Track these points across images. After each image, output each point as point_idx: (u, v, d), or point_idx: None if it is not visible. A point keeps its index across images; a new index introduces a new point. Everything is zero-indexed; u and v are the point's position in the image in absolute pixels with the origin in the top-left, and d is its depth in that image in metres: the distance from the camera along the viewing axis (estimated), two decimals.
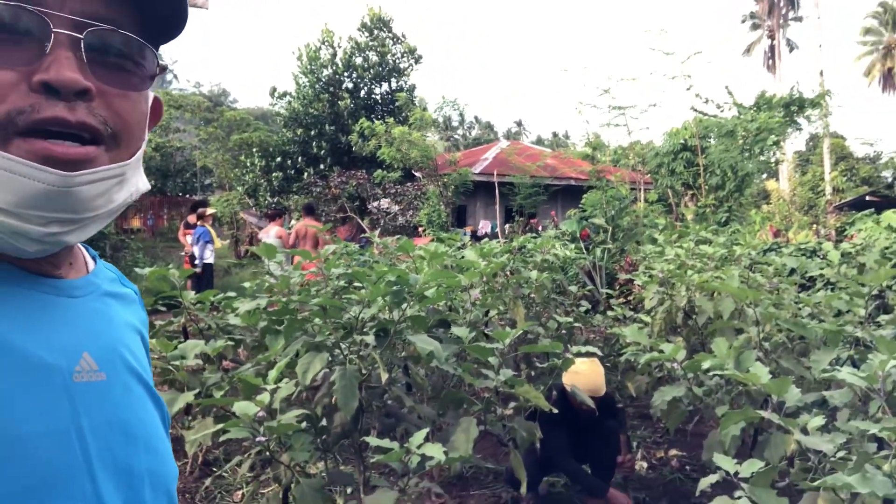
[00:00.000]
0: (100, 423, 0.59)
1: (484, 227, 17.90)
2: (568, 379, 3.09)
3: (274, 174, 20.44)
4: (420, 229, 15.13)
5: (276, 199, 19.85)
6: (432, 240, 11.87)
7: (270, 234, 9.20)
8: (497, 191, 16.28)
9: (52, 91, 0.51)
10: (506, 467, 3.45)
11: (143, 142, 0.62)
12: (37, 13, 0.51)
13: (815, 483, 1.21)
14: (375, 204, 15.45)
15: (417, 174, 16.96)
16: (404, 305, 2.53)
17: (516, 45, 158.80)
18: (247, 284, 4.04)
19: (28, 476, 0.51)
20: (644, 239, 9.56)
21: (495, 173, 17.10)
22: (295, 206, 19.57)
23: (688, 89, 11.74)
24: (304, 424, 2.22)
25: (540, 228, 16.08)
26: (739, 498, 1.89)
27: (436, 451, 1.97)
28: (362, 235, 10.35)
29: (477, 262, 3.68)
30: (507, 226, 16.61)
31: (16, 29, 0.51)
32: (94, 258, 0.71)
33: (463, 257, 4.46)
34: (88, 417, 0.58)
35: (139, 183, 0.63)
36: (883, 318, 3.54)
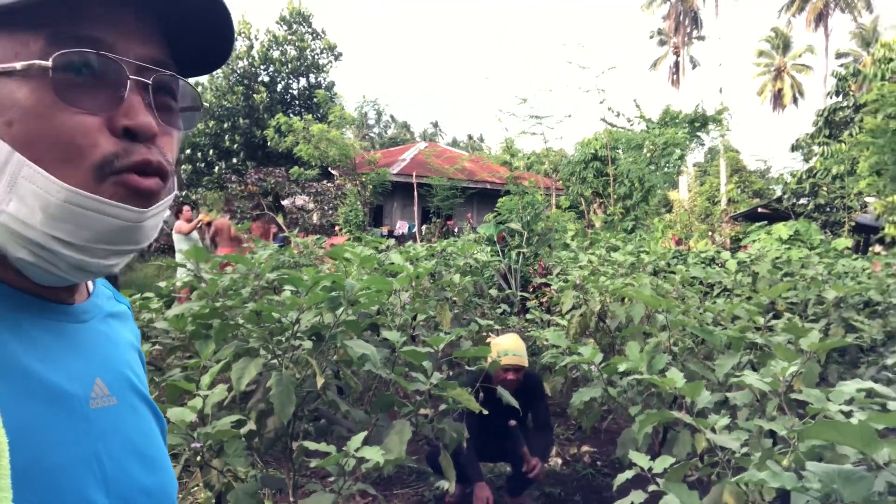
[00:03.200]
0: (114, 447, 0.61)
1: (401, 227, 17.94)
2: (495, 350, 3.30)
3: (182, 166, 19.64)
4: (337, 228, 14.98)
5: (184, 193, 19.08)
6: (349, 239, 11.81)
7: (180, 227, 8.87)
8: (415, 192, 16.36)
9: (132, 136, 0.55)
10: (426, 455, 3.52)
11: None
12: (117, 61, 0.55)
13: (734, 479, 1.36)
14: (291, 201, 15.16)
15: (335, 172, 16.78)
16: (339, 310, 2.56)
17: (435, 48, 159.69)
18: (162, 284, 3.92)
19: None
20: (556, 244, 9.92)
21: (414, 174, 17.19)
22: (203, 200, 18.88)
23: (601, 102, 12.26)
24: (238, 430, 2.21)
25: (456, 230, 16.31)
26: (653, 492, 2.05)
27: (374, 454, 2.01)
28: (281, 234, 10.15)
29: (405, 267, 3.73)
30: (424, 227, 16.73)
31: (96, 75, 0.54)
32: None
33: (388, 260, 4.50)
34: (104, 443, 0.59)
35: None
36: (774, 323, 3.88)
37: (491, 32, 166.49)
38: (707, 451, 2.37)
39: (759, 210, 18.58)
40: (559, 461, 4.26)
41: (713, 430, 2.19)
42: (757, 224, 14.49)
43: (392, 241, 5.83)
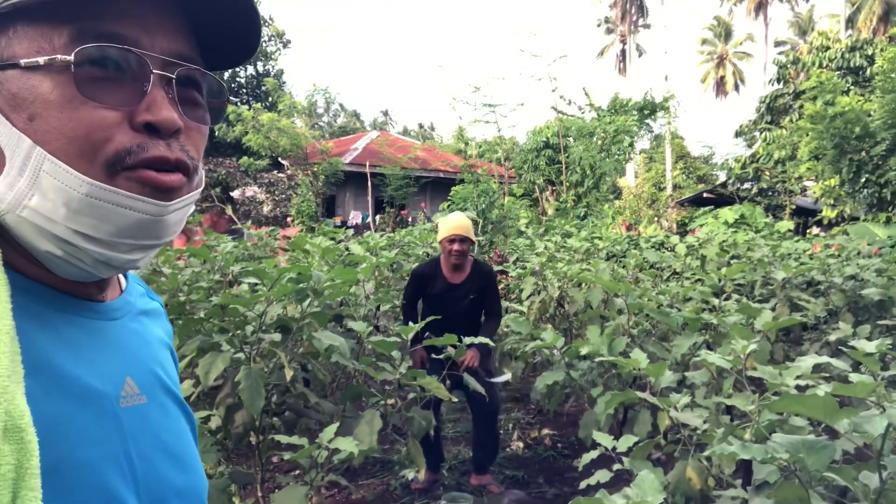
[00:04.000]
0: (144, 445, 0.61)
1: (355, 217, 17.81)
2: (439, 230, 3.68)
3: None
4: (289, 219, 14.77)
5: None
6: (302, 230, 11.65)
7: None
8: (369, 181, 16.26)
9: (153, 130, 0.55)
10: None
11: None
12: (140, 56, 0.54)
13: (707, 453, 1.41)
14: (241, 191, 14.87)
15: (286, 163, 16.52)
16: (306, 302, 2.54)
17: (384, 36, 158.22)
18: None
19: (87, 501, 0.53)
20: (511, 232, 10.04)
21: (367, 164, 17.06)
22: None
23: (553, 90, 12.39)
24: (208, 425, 2.18)
25: (410, 219, 16.28)
26: (617, 471, 2.11)
27: (348, 445, 2.01)
28: (233, 227, 9.95)
29: (367, 257, 3.72)
30: (378, 216, 16.65)
31: (119, 69, 0.54)
32: (125, 275, 0.71)
33: (348, 251, 4.48)
34: (134, 441, 0.59)
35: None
36: (724, 304, 4.03)
37: (440, 21, 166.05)
38: (670, 429, 2.46)
39: (705, 195, 19.16)
40: (521, 444, 4.33)
41: (675, 409, 2.27)
42: (703, 209, 14.94)
43: (350, 232, 5.80)
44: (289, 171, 15.89)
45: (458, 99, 11.90)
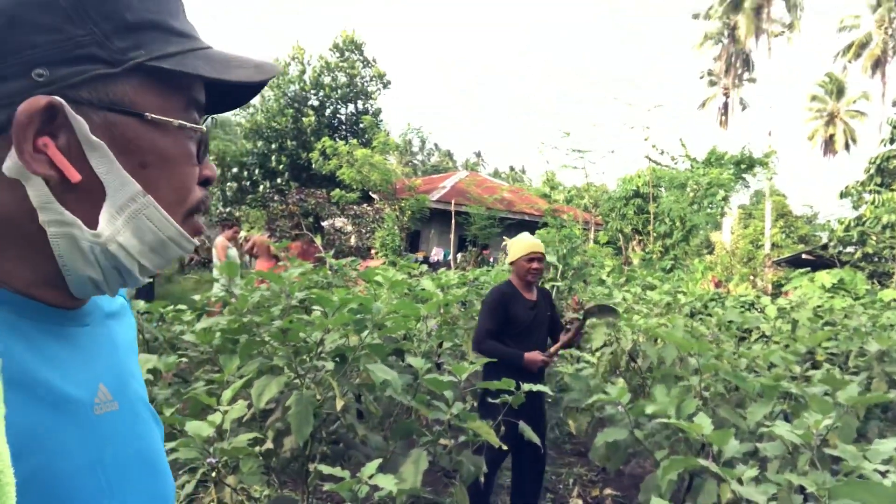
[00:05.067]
0: (118, 452, 0.61)
1: (437, 254, 17.97)
2: (511, 250, 3.61)
3: (228, 184, 20.14)
4: (373, 252, 15.10)
5: (227, 210, 19.53)
6: (384, 263, 11.87)
7: (218, 243, 9.04)
8: (453, 220, 16.42)
9: (206, 183, 0.66)
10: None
11: None
12: (205, 130, 0.65)
13: None
14: (330, 223, 15.37)
15: (375, 196, 16.98)
16: (364, 333, 2.56)
17: (481, 79, 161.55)
18: (196, 297, 3.99)
19: None
20: (592, 280, 9.81)
21: (452, 202, 17.27)
22: (246, 218, 19.28)
23: (646, 139, 12.18)
24: (255, 448, 2.21)
25: (491, 259, 16.27)
26: None
27: (387, 483, 1.99)
28: (316, 255, 10.26)
29: (435, 293, 3.73)
30: (459, 254, 16.74)
31: (202, 135, 0.64)
32: None
33: (419, 286, 4.51)
34: (109, 449, 0.60)
35: None
36: (812, 373, 3.74)
37: (539, 66, 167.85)
38: (732, 503, 2.28)
39: (804, 256, 18.07)
40: (580, 502, 4.15)
41: (740, 482, 2.10)
42: (800, 270, 14.09)
43: (425, 268, 5.83)
44: (376, 205, 16.31)
45: (547, 143, 11.88)
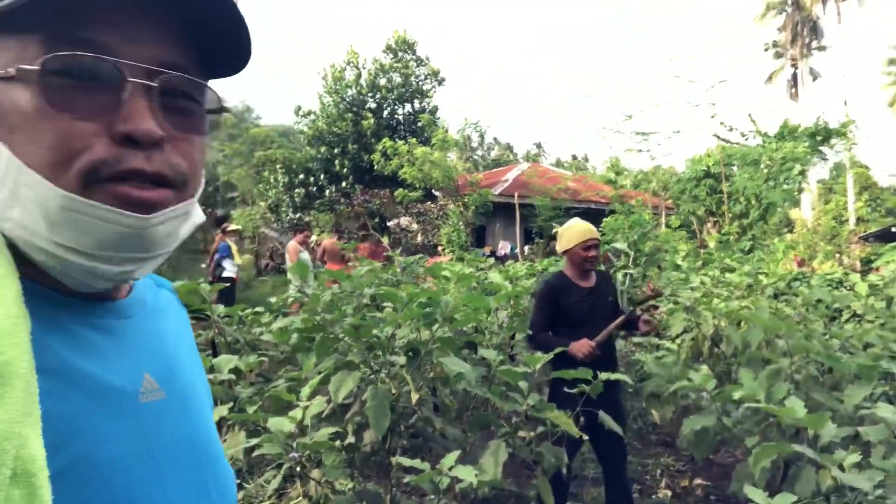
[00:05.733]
0: (167, 440, 0.61)
1: (503, 247, 17.88)
2: (563, 237, 3.48)
3: (296, 190, 20.67)
4: (440, 248, 15.18)
5: (297, 215, 20.05)
6: (451, 259, 11.89)
7: (289, 247, 9.31)
8: (517, 212, 16.30)
9: (132, 142, 0.53)
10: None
11: (203, 178, 0.64)
12: (113, 63, 0.53)
13: None
14: (396, 222, 15.54)
15: (438, 194, 17.05)
16: (435, 326, 2.55)
17: (537, 68, 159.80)
18: (272, 300, 4.10)
19: (111, 499, 0.53)
20: (667, 265, 9.52)
21: (516, 195, 17.14)
22: (316, 222, 19.74)
23: (712, 117, 11.72)
24: (336, 442, 2.24)
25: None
26: None
27: (467, 474, 1.97)
28: (385, 254, 10.41)
29: (503, 285, 3.69)
30: (527, 247, 16.61)
31: (93, 79, 0.52)
32: None
33: (487, 279, 4.48)
34: (156, 436, 0.60)
35: (196, 217, 0.64)
36: None
37: (594, 49, 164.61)
38: (834, 491, 2.14)
39: (894, 230, 17.03)
40: (668, 493, 4.02)
41: (841, 468, 1.98)
42: (891, 244, 13.26)
43: (493, 261, 5.79)
44: (440, 202, 16.38)
45: (609, 128, 11.63)
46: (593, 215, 18.09)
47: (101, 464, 0.53)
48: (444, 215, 15.71)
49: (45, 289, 0.56)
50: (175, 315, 0.75)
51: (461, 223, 15.88)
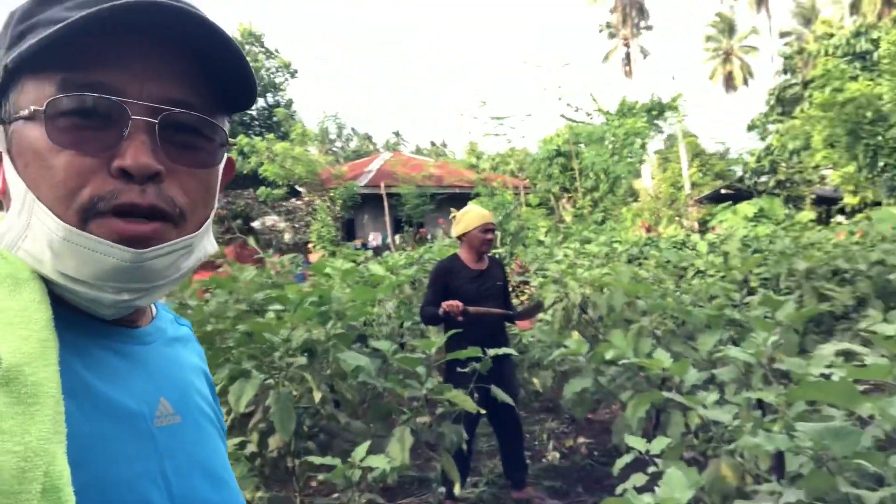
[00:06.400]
0: (180, 464, 0.63)
1: (375, 238, 17.91)
2: (461, 222, 3.63)
3: None
4: (310, 245, 14.92)
5: None
6: (323, 255, 11.75)
7: None
8: (385, 202, 16.38)
9: (128, 176, 0.55)
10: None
11: (213, 210, 0.65)
12: (116, 102, 0.55)
13: (731, 446, 1.42)
14: (261, 221, 15.06)
15: (302, 190, 16.72)
16: (329, 324, 2.59)
17: (388, 58, 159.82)
18: None
19: None
20: (530, 242, 10.05)
21: (382, 185, 17.20)
22: None
23: (559, 99, 12.45)
24: (241, 451, 2.22)
25: (429, 237, 16.36)
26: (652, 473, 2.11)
27: (380, 462, 2.05)
28: (254, 256, 10.08)
29: (386, 276, 3.77)
30: (397, 236, 16.75)
31: (96, 118, 0.55)
32: (154, 303, 0.73)
33: (368, 272, 4.53)
34: (170, 459, 0.61)
35: (207, 247, 0.66)
36: (750, 299, 4.00)
37: (438, 37, 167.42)
38: (701, 428, 2.45)
39: (723, 191, 18.99)
40: (557, 455, 4.32)
41: (704, 407, 2.26)
42: (722, 205, 14.84)
43: (370, 253, 5.85)
44: (306, 199, 16.07)
45: (466, 114, 11.98)
46: (459, 200, 18.55)
47: (117, 484, 0.55)
48: (312, 211, 15.44)
49: (69, 312, 0.58)
50: (191, 348, 0.77)
51: (329, 218, 15.70)
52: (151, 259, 0.57)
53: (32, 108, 0.55)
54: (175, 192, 0.58)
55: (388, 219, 16.70)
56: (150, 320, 0.70)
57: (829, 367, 2.13)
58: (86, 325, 0.60)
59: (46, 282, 0.56)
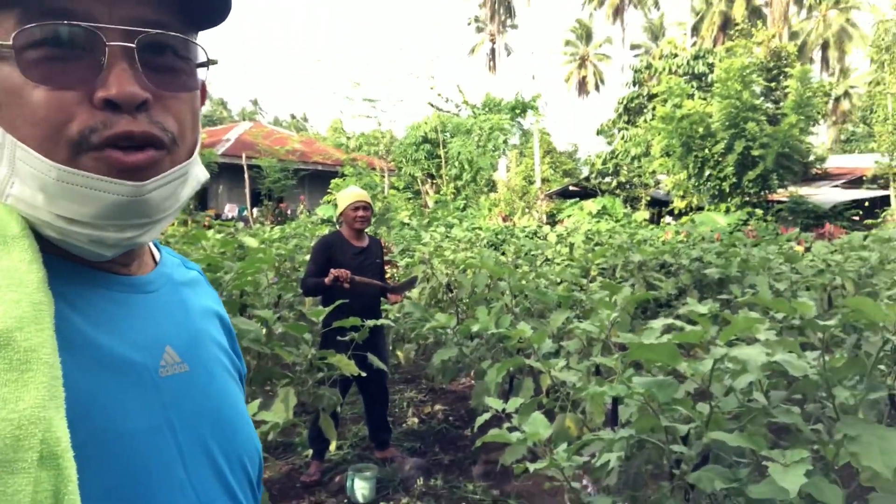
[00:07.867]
0: (188, 414, 0.61)
1: (230, 210, 17.31)
2: (338, 203, 3.92)
3: None
4: None
5: None
6: (172, 224, 11.23)
7: None
8: (246, 174, 15.88)
9: (114, 106, 0.52)
10: (308, 429, 3.76)
11: (199, 135, 0.62)
12: (89, 29, 0.51)
13: (587, 391, 1.78)
14: None
15: None
16: (219, 292, 2.69)
17: (253, 22, 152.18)
18: None
19: (130, 471, 0.54)
20: (394, 224, 10.34)
21: (243, 156, 16.64)
22: None
23: (431, 88, 12.81)
24: None
25: (289, 212, 16.12)
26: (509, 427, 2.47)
27: (271, 416, 2.22)
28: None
29: (264, 248, 3.86)
30: (255, 209, 16.32)
31: (69, 47, 0.51)
32: (157, 248, 0.71)
33: (242, 244, 4.56)
34: (177, 410, 0.60)
35: (199, 175, 0.63)
36: (591, 285, 4.56)
37: (311, 13, 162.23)
38: (550, 389, 2.86)
39: (571, 188, 20.50)
40: (416, 420, 4.65)
41: (555, 370, 2.67)
42: (570, 201, 16.05)
43: (241, 225, 5.80)
44: None
45: (338, 93, 11.98)
46: (322, 177, 18.44)
47: (120, 437, 0.54)
48: None
49: (64, 261, 0.56)
50: (204, 293, 0.75)
51: None
52: (151, 191, 0.55)
53: None
54: (164, 118, 0.56)
55: (247, 191, 16.21)
56: (153, 267, 0.67)
57: (659, 337, 2.61)
58: (84, 274, 0.58)
59: (39, 230, 0.54)
